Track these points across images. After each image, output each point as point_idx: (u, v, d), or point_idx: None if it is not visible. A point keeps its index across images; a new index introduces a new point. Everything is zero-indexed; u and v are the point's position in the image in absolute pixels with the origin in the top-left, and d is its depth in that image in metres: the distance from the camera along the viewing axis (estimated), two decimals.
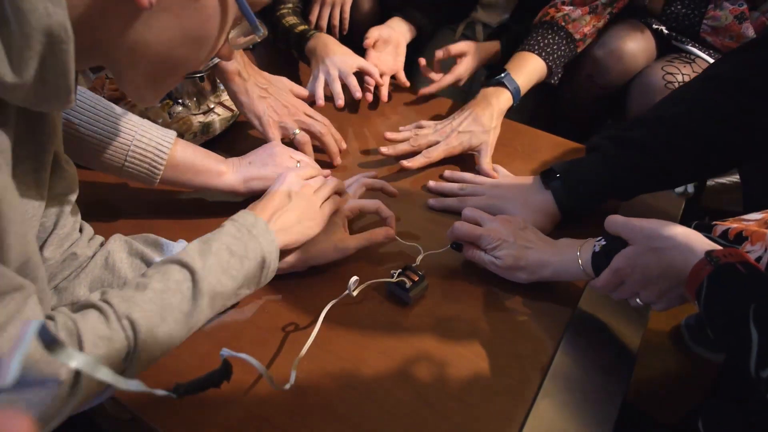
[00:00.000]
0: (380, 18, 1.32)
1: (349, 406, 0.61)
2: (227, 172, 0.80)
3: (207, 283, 0.56)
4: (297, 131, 0.91)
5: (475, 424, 0.60)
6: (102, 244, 0.65)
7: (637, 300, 0.63)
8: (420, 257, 0.76)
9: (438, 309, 0.72)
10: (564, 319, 0.71)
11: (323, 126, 0.93)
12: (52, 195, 0.55)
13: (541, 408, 0.61)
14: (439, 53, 1.09)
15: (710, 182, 1.34)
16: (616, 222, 0.64)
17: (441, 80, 1.10)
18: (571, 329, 0.70)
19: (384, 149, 0.96)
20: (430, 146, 0.96)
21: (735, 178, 1.28)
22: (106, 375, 0.34)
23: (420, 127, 1.01)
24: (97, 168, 0.75)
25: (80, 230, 0.63)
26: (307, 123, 0.92)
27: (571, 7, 1.08)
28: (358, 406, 0.61)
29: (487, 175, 0.93)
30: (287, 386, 0.58)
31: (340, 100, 1.01)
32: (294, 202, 0.69)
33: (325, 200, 0.73)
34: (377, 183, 0.83)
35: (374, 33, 1.13)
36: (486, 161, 0.95)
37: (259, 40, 0.57)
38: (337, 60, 1.04)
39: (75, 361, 0.32)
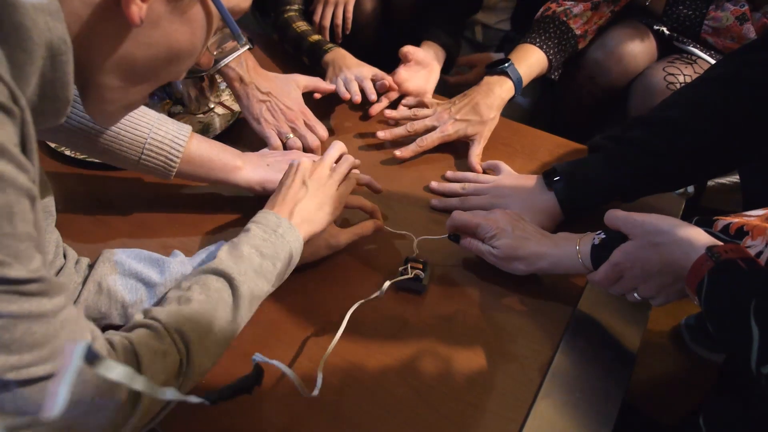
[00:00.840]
0: (382, 19, 1.32)
1: (349, 406, 0.61)
2: (243, 168, 0.80)
3: (246, 287, 0.57)
4: (290, 136, 0.93)
5: (475, 424, 0.60)
6: (90, 265, 0.64)
7: (635, 295, 0.63)
8: (415, 243, 0.77)
9: (437, 309, 0.72)
10: (564, 319, 0.71)
11: (315, 139, 0.93)
12: None
13: (541, 408, 0.61)
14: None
15: (710, 182, 1.34)
16: (616, 216, 0.63)
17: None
18: (571, 329, 0.70)
19: (380, 134, 0.97)
20: (427, 130, 0.97)
21: (735, 178, 1.28)
22: (141, 385, 0.34)
23: (422, 104, 1.03)
24: (112, 162, 0.75)
25: (64, 256, 0.62)
26: (301, 133, 0.93)
27: (573, 2, 1.08)
28: (358, 406, 0.61)
29: (473, 167, 0.94)
30: (315, 392, 0.57)
31: (357, 96, 1.01)
32: (311, 189, 0.69)
33: (341, 181, 0.73)
34: (364, 178, 0.82)
35: (411, 48, 1.11)
36: (475, 153, 0.96)
37: (242, 50, 0.57)
38: (354, 69, 1.05)
39: (112, 372, 0.32)
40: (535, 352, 0.67)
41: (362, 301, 0.66)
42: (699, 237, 0.57)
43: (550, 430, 0.59)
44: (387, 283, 0.68)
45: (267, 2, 1.25)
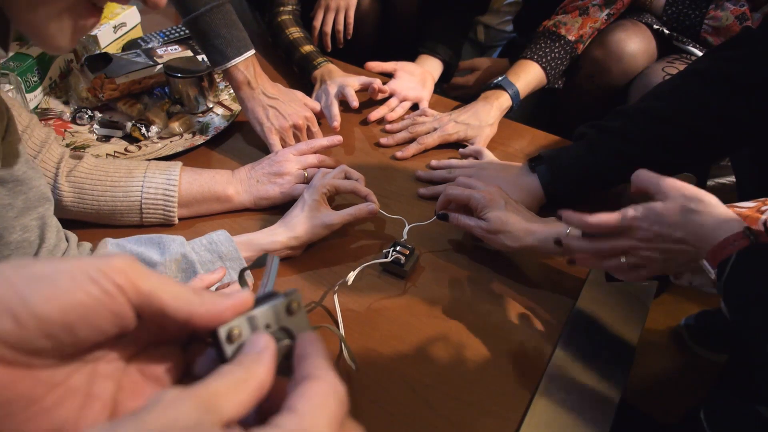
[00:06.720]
0: (383, 24, 1.31)
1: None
2: (235, 195, 0.82)
3: None
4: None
5: (473, 423, 0.60)
6: (91, 250, 0.66)
7: (622, 259, 0.60)
8: (406, 230, 0.78)
9: (435, 307, 0.72)
10: (562, 317, 0.71)
11: (311, 147, 0.91)
12: (26, 207, 0.56)
13: (538, 407, 0.61)
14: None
15: (710, 182, 1.34)
16: (647, 175, 0.60)
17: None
18: (569, 328, 0.70)
19: (384, 140, 1.00)
20: (427, 132, 0.99)
21: (734, 178, 1.27)
22: None
23: (423, 114, 1.05)
24: (119, 226, 0.79)
25: (66, 239, 0.63)
26: (302, 137, 0.95)
27: (563, 15, 1.13)
28: (356, 405, 0.61)
29: (473, 151, 0.95)
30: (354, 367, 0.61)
31: (335, 122, 0.99)
32: None
33: None
34: (363, 190, 0.80)
35: (399, 64, 1.13)
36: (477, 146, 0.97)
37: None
38: (338, 80, 1.05)
39: None
40: (534, 350, 0.67)
41: (339, 282, 0.67)
42: (734, 216, 0.55)
43: (548, 428, 0.59)
44: (359, 268, 0.69)
45: (264, 1, 1.24)
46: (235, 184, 0.83)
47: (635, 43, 1.15)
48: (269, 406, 0.23)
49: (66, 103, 1.02)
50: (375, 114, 1.05)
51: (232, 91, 1.01)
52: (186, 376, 0.26)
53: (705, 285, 0.61)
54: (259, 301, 0.26)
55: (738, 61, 0.73)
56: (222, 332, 0.24)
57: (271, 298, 0.26)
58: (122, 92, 1.00)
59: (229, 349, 0.24)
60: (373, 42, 1.33)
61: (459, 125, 0.98)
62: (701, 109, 0.74)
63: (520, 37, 1.42)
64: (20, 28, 0.45)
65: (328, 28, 1.20)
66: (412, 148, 0.97)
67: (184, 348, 0.27)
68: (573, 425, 0.59)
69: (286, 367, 0.25)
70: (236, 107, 1.03)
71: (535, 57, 1.08)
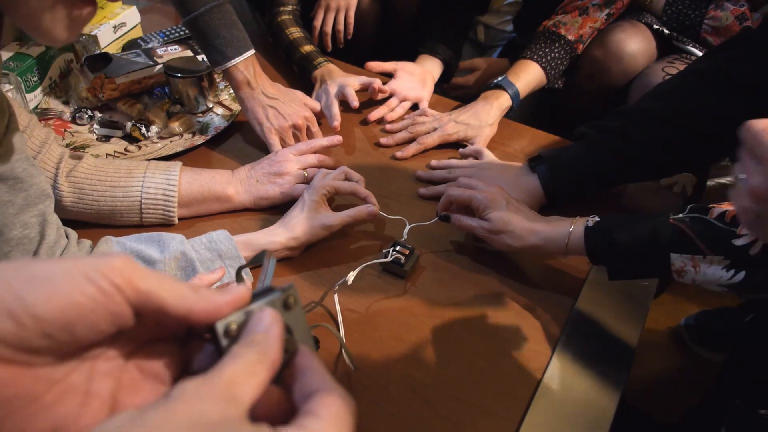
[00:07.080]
0: (383, 24, 1.31)
1: None
2: (235, 195, 0.82)
3: None
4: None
5: (473, 423, 0.60)
6: (91, 247, 0.66)
7: (742, 176, 0.51)
8: (406, 230, 0.79)
9: (435, 308, 0.72)
10: (562, 317, 0.71)
11: (311, 147, 0.91)
12: (27, 205, 0.56)
13: (538, 407, 0.61)
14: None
15: (710, 182, 1.34)
16: None
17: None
18: (569, 328, 0.70)
19: (384, 140, 1.00)
20: (427, 132, 0.99)
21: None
22: None
23: (423, 114, 1.05)
24: (119, 226, 0.79)
25: (66, 236, 0.64)
26: (301, 137, 0.95)
27: (563, 15, 1.13)
28: (356, 405, 0.61)
29: (473, 151, 0.95)
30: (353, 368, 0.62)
31: (335, 122, 1.00)
32: None
33: None
34: (362, 192, 0.80)
35: (399, 64, 1.13)
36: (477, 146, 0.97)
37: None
38: (338, 80, 1.05)
39: None
40: (534, 350, 0.67)
41: (339, 282, 0.68)
42: None
43: (548, 428, 0.59)
44: (359, 268, 0.70)
45: (264, 1, 1.24)
46: (234, 184, 0.83)
47: (635, 43, 1.15)
48: (261, 407, 0.23)
49: (66, 103, 1.02)
50: (375, 114, 1.05)
51: (232, 91, 1.01)
52: (185, 372, 0.26)
53: (709, 284, 0.61)
54: (256, 297, 0.26)
55: (738, 61, 0.73)
56: (220, 327, 0.24)
57: (268, 293, 0.27)
58: (122, 92, 1.00)
59: (226, 344, 0.24)
60: (373, 42, 1.33)
61: (459, 125, 0.99)
62: (701, 109, 0.74)
63: (520, 37, 1.43)
64: (15, 22, 0.45)
65: (329, 28, 1.20)
66: (412, 148, 0.97)
67: (182, 344, 0.27)
68: (573, 425, 0.59)
69: (283, 365, 0.25)
70: (236, 107, 1.03)
71: (535, 57, 1.08)
